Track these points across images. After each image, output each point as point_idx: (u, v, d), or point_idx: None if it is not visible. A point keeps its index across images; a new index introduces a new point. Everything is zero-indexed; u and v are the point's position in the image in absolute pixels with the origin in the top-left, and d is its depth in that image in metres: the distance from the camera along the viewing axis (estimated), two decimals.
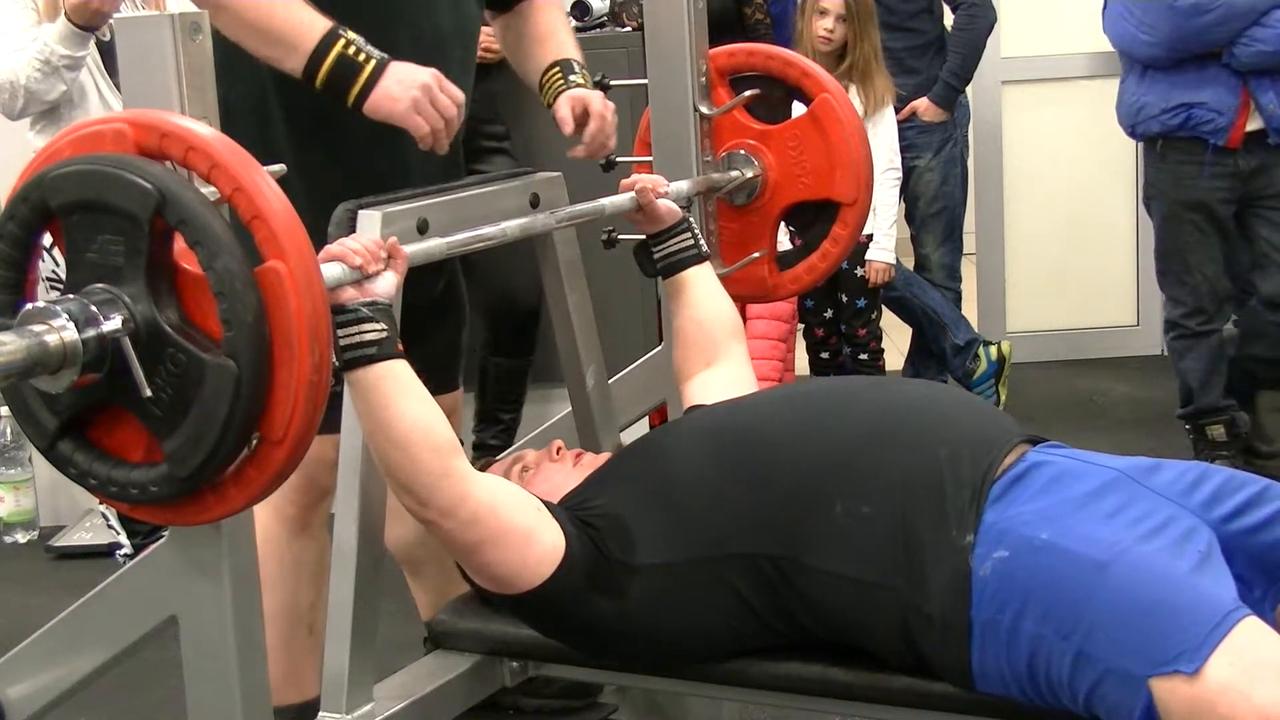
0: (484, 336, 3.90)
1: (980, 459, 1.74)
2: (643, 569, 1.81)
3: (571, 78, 2.31)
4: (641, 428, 2.65)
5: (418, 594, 2.64)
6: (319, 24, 2.04)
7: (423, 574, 2.60)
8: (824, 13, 4.13)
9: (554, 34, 2.39)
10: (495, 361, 3.90)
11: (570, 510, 1.87)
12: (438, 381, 2.43)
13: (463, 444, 2.47)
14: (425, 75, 2.07)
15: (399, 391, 1.73)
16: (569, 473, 1.98)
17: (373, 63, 2.04)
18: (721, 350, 2.17)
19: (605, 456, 2.04)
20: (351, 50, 2.04)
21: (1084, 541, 1.63)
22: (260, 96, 2.20)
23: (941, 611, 1.68)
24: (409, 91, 2.05)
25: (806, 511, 1.76)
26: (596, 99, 2.28)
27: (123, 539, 3.68)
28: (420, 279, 2.06)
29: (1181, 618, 1.55)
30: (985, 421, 1.83)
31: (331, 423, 1.84)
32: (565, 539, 1.81)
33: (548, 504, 1.86)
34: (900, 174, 4.31)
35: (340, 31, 2.04)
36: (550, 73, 2.33)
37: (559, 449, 2.04)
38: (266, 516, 2.28)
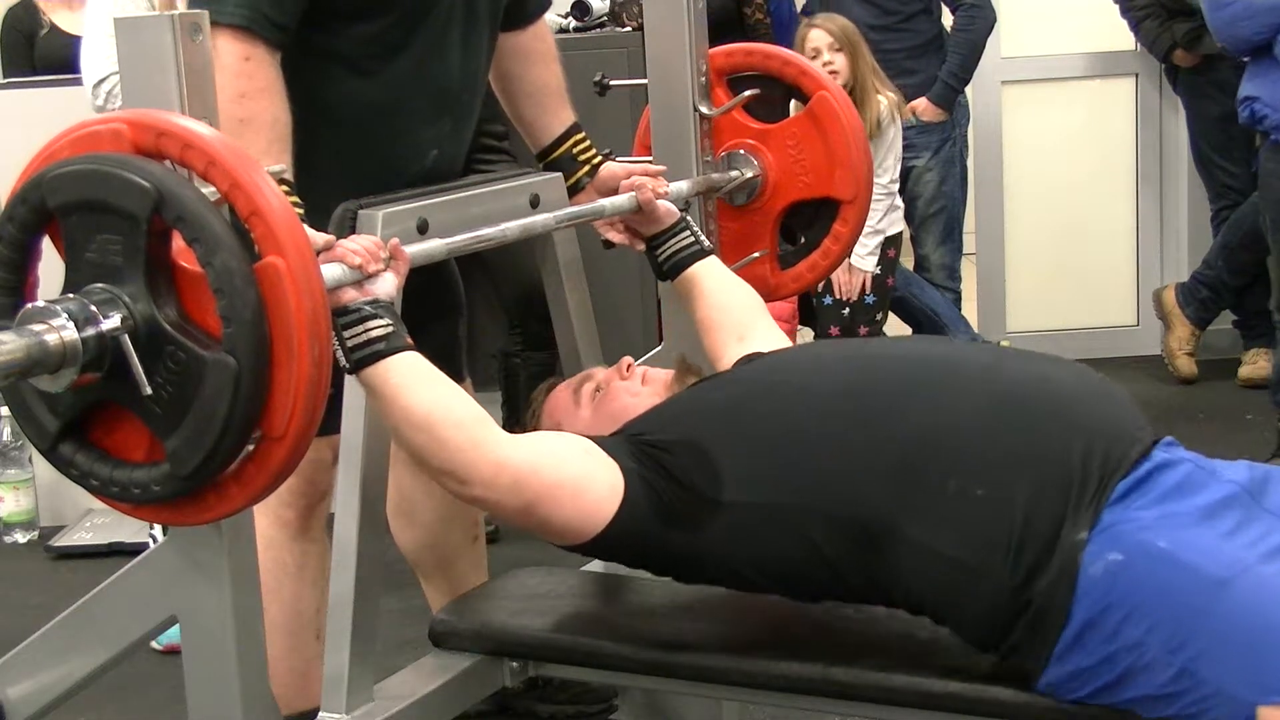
0: (510, 338, 3.88)
1: (1112, 454, 1.66)
2: (723, 505, 1.74)
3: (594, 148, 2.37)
4: None
5: (431, 597, 2.64)
6: None
7: (433, 579, 2.61)
8: (816, 52, 4.07)
9: (563, 91, 2.40)
10: (527, 357, 3.85)
11: (639, 439, 1.81)
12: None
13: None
14: None
15: (415, 379, 1.69)
16: (638, 392, 1.96)
17: None
18: (749, 324, 2.12)
19: (670, 374, 2.00)
20: None
21: (1205, 556, 1.58)
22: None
23: (1043, 604, 1.62)
24: None
25: (915, 481, 1.69)
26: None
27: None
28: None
29: None
30: (1119, 411, 1.75)
31: (329, 425, 1.84)
32: (624, 476, 1.75)
33: (602, 441, 1.80)
34: (891, 196, 4.24)
35: None
36: (580, 140, 2.38)
37: (629, 365, 2.01)
38: (265, 522, 2.27)
